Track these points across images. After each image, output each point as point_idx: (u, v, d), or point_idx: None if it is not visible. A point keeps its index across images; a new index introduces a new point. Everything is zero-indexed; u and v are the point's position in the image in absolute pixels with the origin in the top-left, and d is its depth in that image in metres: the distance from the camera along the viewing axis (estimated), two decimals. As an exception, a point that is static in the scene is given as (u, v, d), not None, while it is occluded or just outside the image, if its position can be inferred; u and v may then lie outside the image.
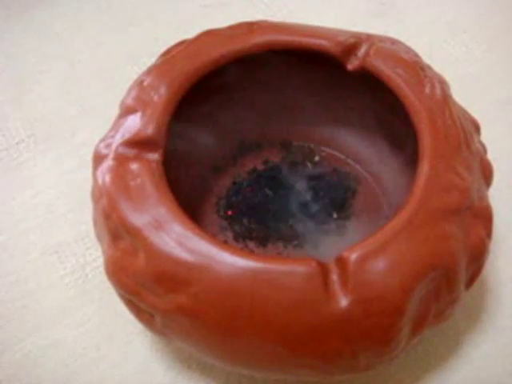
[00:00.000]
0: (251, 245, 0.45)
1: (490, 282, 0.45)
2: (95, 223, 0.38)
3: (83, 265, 0.46)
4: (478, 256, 0.35)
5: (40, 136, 0.53)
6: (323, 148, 0.49)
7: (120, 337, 0.43)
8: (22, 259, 0.47)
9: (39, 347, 0.43)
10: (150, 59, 0.42)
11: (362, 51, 0.40)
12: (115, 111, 0.40)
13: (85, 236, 0.47)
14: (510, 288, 0.44)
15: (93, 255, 0.47)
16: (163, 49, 0.42)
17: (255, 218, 0.45)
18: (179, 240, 0.33)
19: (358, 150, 0.48)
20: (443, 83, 0.39)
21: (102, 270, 0.44)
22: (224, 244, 0.33)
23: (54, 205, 0.49)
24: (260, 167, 0.48)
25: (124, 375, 0.42)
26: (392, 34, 0.44)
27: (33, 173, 0.51)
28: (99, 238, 0.38)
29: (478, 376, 0.41)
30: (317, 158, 0.48)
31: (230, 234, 0.45)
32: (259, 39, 0.40)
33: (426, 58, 0.42)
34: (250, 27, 0.41)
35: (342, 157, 0.48)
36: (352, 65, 0.40)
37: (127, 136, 0.37)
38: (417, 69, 0.39)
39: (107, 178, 0.36)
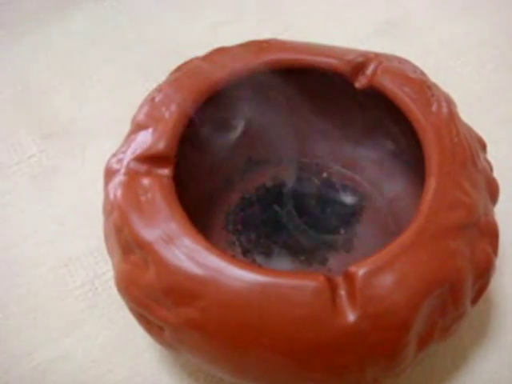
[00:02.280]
0: (259, 259, 0.45)
1: (496, 298, 0.45)
2: (106, 237, 0.38)
3: (93, 278, 0.47)
4: (484, 272, 0.35)
5: (51, 151, 0.53)
6: (331, 165, 0.49)
7: (129, 350, 0.44)
8: (32, 272, 0.47)
9: (49, 360, 0.43)
10: (161, 76, 0.43)
11: (369, 70, 0.40)
12: (126, 127, 0.41)
13: (95, 250, 0.48)
14: (516, 304, 0.45)
15: (103, 269, 0.47)
16: (174, 66, 0.43)
17: (263, 233, 0.46)
18: (189, 254, 0.33)
19: (366, 167, 0.48)
20: (450, 102, 0.40)
21: (111, 283, 0.44)
22: (233, 258, 0.33)
23: (64, 219, 0.50)
24: (268, 183, 0.48)
25: (133, 388, 0.43)
26: (399, 53, 0.44)
27: (44, 187, 0.51)
28: (110, 251, 0.38)
29: (483, 392, 0.42)
30: (324, 175, 0.48)
31: (238, 249, 0.46)
32: (269, 57, 0.41)
33: (433, 76, 0.42)
34: (260, 45, 0.42)
35: (350, 173, 0.49)
36: (360, 83, 0.41)
37: (138, 151, 0.37)
38: (424, 87, 0.39)
39: (118, 193, 0.36)
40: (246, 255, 0.45)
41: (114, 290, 0.37)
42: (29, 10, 0.63)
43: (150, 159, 0.37)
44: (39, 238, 0.49)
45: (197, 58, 0.42)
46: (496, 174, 0.40)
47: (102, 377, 0.43)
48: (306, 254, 0.45)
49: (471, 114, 0.44)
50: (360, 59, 0.40)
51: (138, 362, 0.43)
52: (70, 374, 0.43)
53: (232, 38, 0.45)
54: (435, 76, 0.43)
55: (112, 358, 0.43)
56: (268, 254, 0.45)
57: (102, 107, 0.56)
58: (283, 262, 0.45)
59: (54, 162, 0.53)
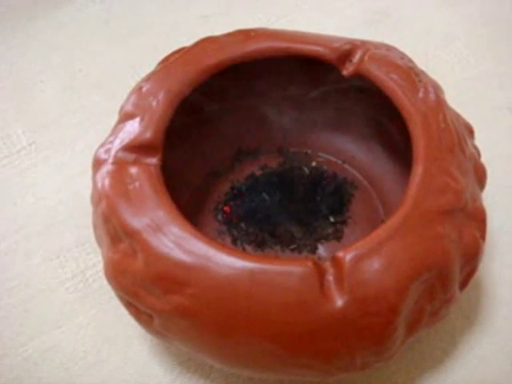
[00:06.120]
0: (249, 249, 0.45)
1: (485, 283, 0.45)
2: (95, 227, 0.39)
3: (84, 270, 0.47)
4: (471, 256, 0.35)
5: (41, 143, 0.53)
6: (320, 153, 0.49)
7: (120, 340, 0.44)
8: (23, 264, 0.47)
9: (40, 351, 0.44)
10: (149, 68, 0.43)
11: (356, 57, 0.40)
12: (115, 119, 0.41)
13: (85, 241, 0.48)
14: (505, 290, 0.45)
15: (93, 260, 0.47)
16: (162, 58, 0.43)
17: (253, 222, 0.46)
18: (177, 242, 0.33)
19: (355, 155, 0.48)
20: (437, 88, 0.40)
21: (102, 274, 0.44)
22: (221, 245, 0.33)
23: (55, 211, 0.50)
24: (258, 172, 0.48)
25: (124, 378, 0.43)
26: (388, 42, 0.44)
27: (34, 179, 0.51)
28: (99, 241, 0.39)
29: (473, 377, 0.42)
30: (314, 164, 0.49)
31: (227, 239, 0.46)
32: (256, 46, 0.41)
33: (422, 65, 0.42)
34: (247, 34, 0.41)
35: (339, 162, 0.49)
36: (347, 71, 0.41)
37: (126, 141, 0.37)
38: (411, 74, 0.39)
39: (106, 182, 0.36)
40: (236, 244, 0.45)
41: (105, 281, 0.37)
42: (18, 3, 0.62)
43: (137, 148, 0.37)
44: (30, 230, 0.49)
45: (184, 48, 0.42)
46: (484, 160, 0.40)
47: (94, 367, 0.43)
48: (296, 243, 0.45)
49: (460, 102, 0.44)
50: (347, 47, 0.40)
51: (129, 351, 0.43)
52: (61, 364, 0.43)
53: (222, 29, 0.45)
54: (424, 64, 0.43)
55: (103, 348, 0.44)
56: (258, 243, 0.45)
57: (92, 100, 0.56)
58: (273, 251, 0.45)
59: (43, 154, 0.53)
